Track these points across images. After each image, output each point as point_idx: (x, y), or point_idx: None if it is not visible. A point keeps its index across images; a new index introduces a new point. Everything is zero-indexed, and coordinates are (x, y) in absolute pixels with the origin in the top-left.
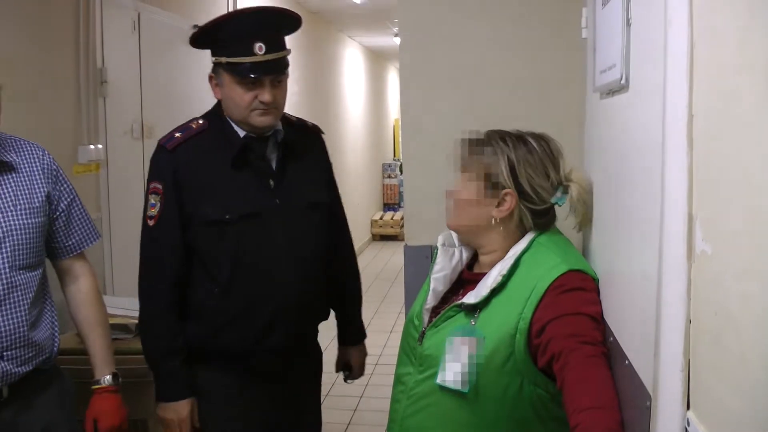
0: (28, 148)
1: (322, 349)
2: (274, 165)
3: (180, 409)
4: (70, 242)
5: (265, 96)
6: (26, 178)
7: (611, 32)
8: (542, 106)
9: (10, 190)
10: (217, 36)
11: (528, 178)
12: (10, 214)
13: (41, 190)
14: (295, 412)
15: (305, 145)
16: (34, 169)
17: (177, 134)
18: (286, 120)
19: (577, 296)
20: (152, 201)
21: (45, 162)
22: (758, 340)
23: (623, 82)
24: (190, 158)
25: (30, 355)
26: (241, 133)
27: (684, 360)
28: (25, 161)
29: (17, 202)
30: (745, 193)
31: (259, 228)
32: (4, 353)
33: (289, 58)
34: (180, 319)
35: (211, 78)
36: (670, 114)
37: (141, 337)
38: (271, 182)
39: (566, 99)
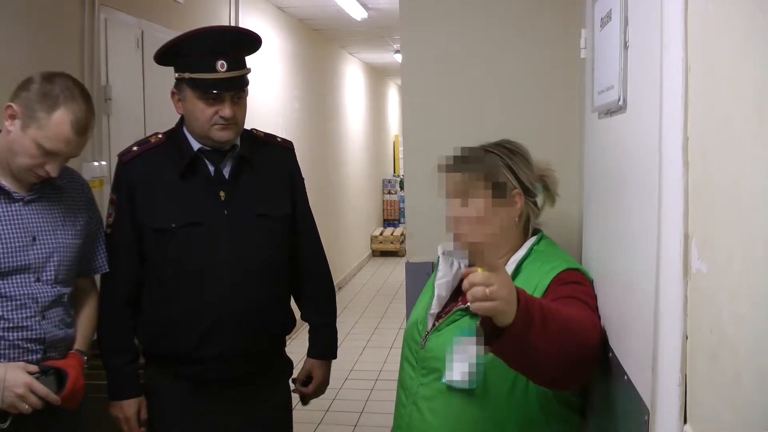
0: (75, 176)
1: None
2: (227, 177)
3: (125, 408)
4: (91, 265)
5: (226, 111)
6: (71, 202)
7: (609, 54)
8: (542, 124)
9: (58, 211)
10: (181, 53)
11: (525, 174)
12: (59, 232)
13: (82, 215)
14: (252, 422)
15: (268, 159)
16: (79, 195)
17: (134, 147)
18: (253, 135)
19: (576, 288)
20: (109, 211)
21: (85, 190)
22: (752, 357)
23: (621, 103)
24: (143, 170)
25: (64, 352)
26: (195, 146)
27: (681, 375)
28: (70, 186)
29: (64, 223)
30: (739, 215)
31: (203, 237)
32: (48, 352)
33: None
34: (134, 321)
35: (173, 93)
36: (666, 136)
37: (96, 337)
38: (222, 193)
39: (566, 117)
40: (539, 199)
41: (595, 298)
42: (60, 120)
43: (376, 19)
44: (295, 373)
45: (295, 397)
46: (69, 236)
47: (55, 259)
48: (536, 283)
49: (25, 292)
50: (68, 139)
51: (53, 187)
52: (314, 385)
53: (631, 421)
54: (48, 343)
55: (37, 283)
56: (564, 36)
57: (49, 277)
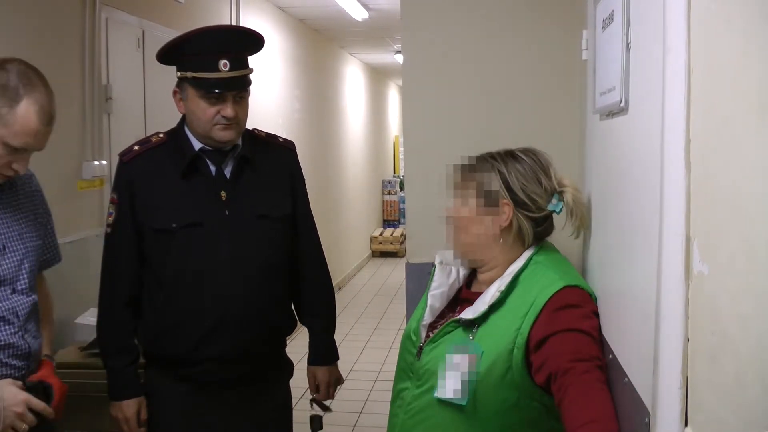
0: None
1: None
2: (228, 177)
3: (125, 408)
4: (42, 259)
5: (228, 111)
6: (25, 198)
7: (611, 55)
8: (543, 126)
9: (20, 214)
10: (184, 52)
11: (521, 187)
12: (26, 236)
13: (38, 211)
14: (252, 422)
15: (270, 159)
16: (29, 187)
17: (135, 147)
18: (254, 135)
19: (574, 313)
20: (110, 210)
21: (34, 183)
22: (754, 359)
23: (623, 104)
24: (144, 170)
25: (36, 366)
26: (197, 146)
27: (682, 378)
28: (20, 179)
29: (27, 224)
30: (741, 217)
31: (204, 238)
32: (30, 366)
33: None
34: (134, 322)
35: (175, 93)
36: (668, 137)
37: (96, 337)
38: (223, 194)
39: (567, 119)
40: (560, 215)
41: (595, 317)
42: (25, 112)
43: (377, 19)
44: (295, 375)
45: (295, 398)
46: (33, 238)
47: (26, 266)
48: (532, 300)
49: (6, 306)
50: (36, 131)
51: (8, 185)
52: (323, 390)
53: (632, 423)
54: (32, 357)
55: (14, 295)
56: (565, 37)
57: (24, 287)
